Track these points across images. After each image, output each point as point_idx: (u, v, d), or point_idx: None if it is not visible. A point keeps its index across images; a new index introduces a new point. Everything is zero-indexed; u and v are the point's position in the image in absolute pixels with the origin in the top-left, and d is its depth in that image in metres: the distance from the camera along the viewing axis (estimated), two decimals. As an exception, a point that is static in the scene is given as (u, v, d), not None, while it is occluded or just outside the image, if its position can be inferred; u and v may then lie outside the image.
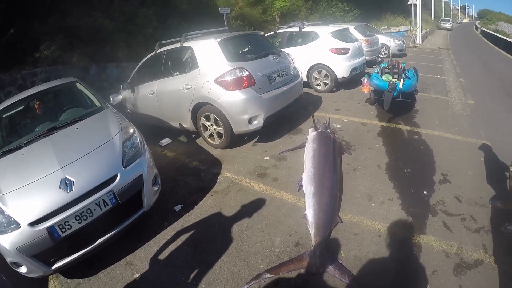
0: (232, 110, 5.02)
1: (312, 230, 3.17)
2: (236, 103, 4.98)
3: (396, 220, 3.50)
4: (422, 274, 2.79)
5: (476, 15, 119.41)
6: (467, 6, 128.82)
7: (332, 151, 4.44)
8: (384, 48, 15.45)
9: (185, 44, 5.72)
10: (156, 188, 3.69)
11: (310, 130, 5.05)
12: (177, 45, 5.93)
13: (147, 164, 3.56)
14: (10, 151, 3.78)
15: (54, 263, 3.02)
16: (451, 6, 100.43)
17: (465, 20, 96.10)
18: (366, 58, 10.39)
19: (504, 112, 7.13)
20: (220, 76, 5.02)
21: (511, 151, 4.65)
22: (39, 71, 8.83)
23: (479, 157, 4.85)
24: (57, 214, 2.91)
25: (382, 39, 15.47)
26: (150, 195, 3.53)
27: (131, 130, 3.85)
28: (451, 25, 50.76)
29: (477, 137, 5.53)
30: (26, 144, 3.80)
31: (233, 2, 16.88)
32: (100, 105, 4.63)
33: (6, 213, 2.91)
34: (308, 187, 3.70)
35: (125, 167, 3.34)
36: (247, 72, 5.06)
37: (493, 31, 38.26)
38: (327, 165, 4.07)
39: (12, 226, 2.87)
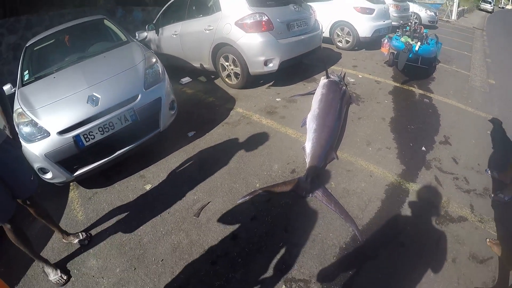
0: (249, 52, 5.23)
1: (308, 159, 3.46)
2: (254, 45, 5.18)
3: (390, 166, 3.70)
4: (405, 216, 3.03)
5: None
6: None
7: (340, 98, 4.64)
8: (415, 16, 14.99)
9: None
10: (172, 112, 4.00)
11: (322, 78, 5.24)
12: (202, -12, 6.10)
13: (165, 90, 3.87)
14: (41, 77, 4.11)
15: (76, 170, 3.38)
16: None
17: (509, 6, 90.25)
18: (394, 23, 10.26)
19: (525, 95, 7.04)
20: (241, 19, 5.20)
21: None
22: (66, 13, 8.97)
23: (486, 129, 4.87)
24: (83, 125, 3.26)
25: (415, 7, 15.04)
26: (166, 118, 3.86)
27: (154, 60, 4.14)
28: (492, 7, 47.67)
29: (489, 112, 5.50)
30: (57, 71, 4.14)
31: None
32: (126, 39, 4.91)
33: (38, 124, 3.26)
34: (310, 124, 3.96)
35: (146, 89, 3.66)
36: (266, 17, 5.21)
37: None
38: (333, 107, 4.30)
39: (42, 135, 3.22)
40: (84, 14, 9.05)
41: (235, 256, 2.60)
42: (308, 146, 3.62)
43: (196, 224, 2.92)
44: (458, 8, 25.05)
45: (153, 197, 3.38)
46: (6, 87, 3.99)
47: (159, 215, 3.10)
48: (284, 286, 2.37)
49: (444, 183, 3.50)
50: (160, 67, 4.11)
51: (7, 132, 2.37)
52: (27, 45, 4.86)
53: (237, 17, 5.24)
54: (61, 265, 2.76)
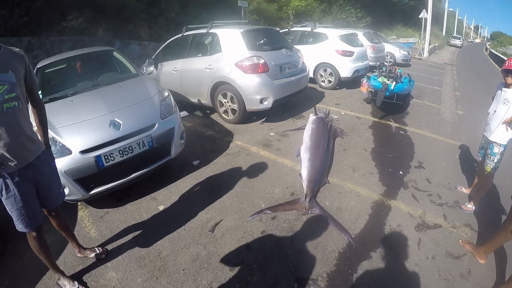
0: (247, 90, 5.90)
1: (305, 183, 4.04)
2: (251, 85, 5.86)
3: (373, 187, 4.33)
4: (390, 225, 3.60)
5: (489, 37, 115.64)
6: (481, 26, 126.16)
7: (327, 132, 5.30)
8: (389, 56, 15.97)
9: (211, 31, 6.58)
10: (182, 142, 4.51)
11: (311, 115, 5.91)
12: (203, 30, 6.82)
13: (178, 121, 4.39)
14: (57, 99, 4.37)
15: (92, 189, 3.62)
16: (465, 25, 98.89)
17: (477, 40, 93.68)
18: (371, 63, 11.15)
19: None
20: (240, 61, 5.89)
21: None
22: (66, 39, 9.55)
23: (455, 154, 5.61)
24: (105, 147, 3.57)
25: (389, 47, 16.08)
26: (177, 146, 4.35)
27: (166, 93, 4.67)
28: (461, 43, 49.31)
29: (458, 140, 6.25)
30: (72, 95, 4.44)
31: (252, -4, 17.58)
32: (136, 72, 5.39)
33: (59, 142, 3.47)
34: (304, 154, 4.55)
35: (162, 119, 4.15)
36: (263, 60, 5.93)
37: (501, 54, 37.77)
38: (322, 140, 4.91)
39: (63, 153, 3.43)
40: (83, 43, 9.61)
41: (250, 263, 3.04)
42: (304, 172, 4.20)
43: (212, 239, 3.34)
44: (429, 45, 26.42)
45: (167, 216, 3.70)
46: None
47: (176, 231, 3.45)
48: (296, 284, 2.83)
49: (420, 199, 4.14)
50: (172, 100, 4.62)
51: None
52: (38, 66, 5.11)
53: (237, 59, 5.91)
54: (77, 278, 2.88)
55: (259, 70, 5.86)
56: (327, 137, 5.13)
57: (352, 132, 6.26)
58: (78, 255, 3.12)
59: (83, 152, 3.49)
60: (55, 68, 5.29)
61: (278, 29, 7.85)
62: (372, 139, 5.97)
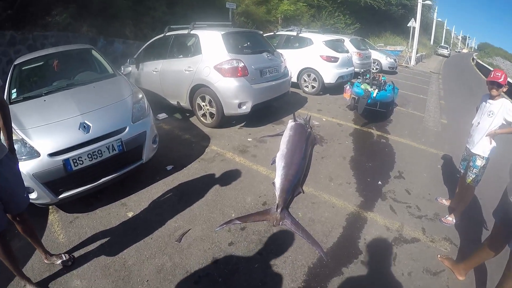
0: (225, 94, 5.76)
1: (277, 193, 3.90)
2: (230, 89, 5.72)
3: (350, 198, 4.22)
4: (364, 239, 3.47)
5: (476, 47, 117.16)
6: (469, 37, 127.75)
7: (305, 139, 5.16)
8: (376, 63, 16.13)
9: (192, 32, 6.44)
10: (154, 146, 4.38)
11: (290, 121, 5.79)
12: (185, 31, 6.66)
13: (150, 125, 4.26)
14: (31, 97, 4.30)
15: (61, 193, 3.53)
16: (453, 35, 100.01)
17: (464, 50, 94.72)
18: (357, 69, 11.13)
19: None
20: (219, 63, 5.74)
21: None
22: (50, 35, 9.34)
23: (437, 164, 5.53)
24: (74, 150, 3.46)
25: (376, 55, 16.18)
26: (149, 150, 4.22)
27: (140, 96, 4.54)
28: (448, 52, 49.68)
29: (440, 149, 6.18)
30: (46, 94, 4.34)
31: (241, -2, 17.48)
32: (113, 72, 5.28)
33: (28, 144, 3.39)
34: (279, 162, 4.42)
35: (133, 122, 4.02)
36: (242, 64, 5.79)
37: (488, 64, 38.06)
38: (298, 148, 4.78)
39: (32, 155, 3.34)
40: (67, 39, 9.40)
41: (215, 276, 2.91)
42: (278, 181, 4.06)
43: (178, 249, 3.21)
44: (416, 54, 26.61)
45: (135, 223, 3.59)
46: None
47: (142, 240, 3.33)
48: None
49: (398, 211, 4.03)
50: (146, 103, 4.50)
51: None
52: (15, 63, 5.04)
53: (216, 62, 5.77)
54: (43, 285, 2.82)
55: (238, 74, 5.73)
56: (305, 144, 5.00)
57: (332, 139, 6.16)
58: (45, 261, 3.04)
59: (51, 155, 3.39)
60: (32, 66, 5.17)
61: (261, 32, 7.72)
62: (352, 147, 5.87)
